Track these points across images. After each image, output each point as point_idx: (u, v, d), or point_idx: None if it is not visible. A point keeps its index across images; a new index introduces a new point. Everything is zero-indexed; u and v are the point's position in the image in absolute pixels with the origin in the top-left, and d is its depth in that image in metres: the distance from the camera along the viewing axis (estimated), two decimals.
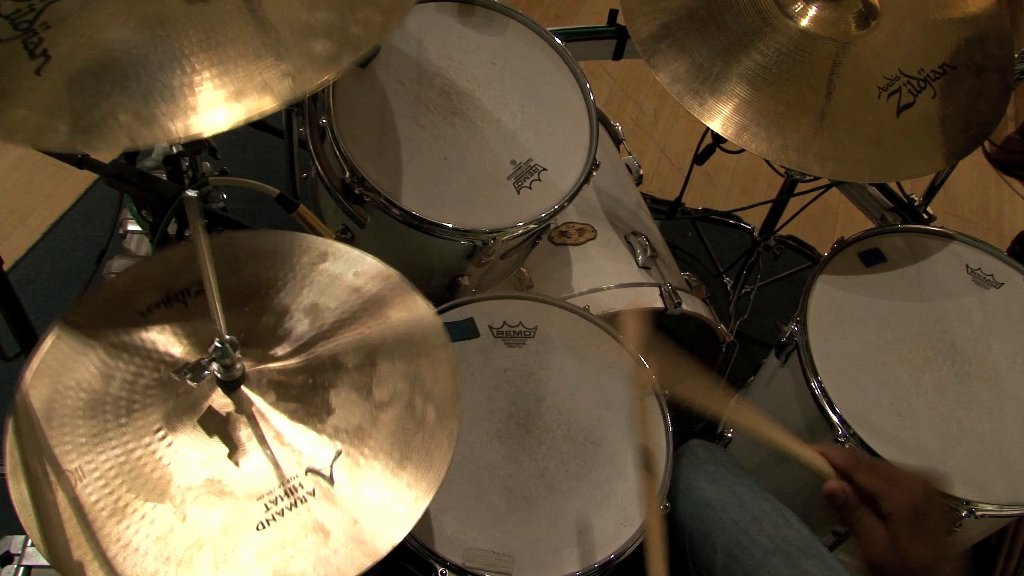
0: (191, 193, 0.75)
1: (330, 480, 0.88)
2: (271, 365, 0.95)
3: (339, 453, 0.89)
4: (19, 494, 0.85)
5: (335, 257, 1.06)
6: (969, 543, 1.46)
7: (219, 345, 0.87)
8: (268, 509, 0.86)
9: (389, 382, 0.96)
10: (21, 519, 0.83)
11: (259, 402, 0.92)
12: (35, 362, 0.93)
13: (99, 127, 0.88)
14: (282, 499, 0.86)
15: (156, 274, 1.02)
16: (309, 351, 0.97)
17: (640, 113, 2.73)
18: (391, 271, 1.05)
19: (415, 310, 1.03)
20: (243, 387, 0.92)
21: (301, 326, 0.99)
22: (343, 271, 1.04)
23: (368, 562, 0.84)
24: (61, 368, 0.93)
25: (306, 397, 0.93)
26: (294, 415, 0.92)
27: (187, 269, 1.02)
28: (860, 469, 0.86)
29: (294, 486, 0.87)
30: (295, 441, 0.90)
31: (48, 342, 0.95)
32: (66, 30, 0.93)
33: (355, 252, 1.06)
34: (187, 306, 0.99)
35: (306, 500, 0.86)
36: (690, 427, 1.89)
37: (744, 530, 1.19)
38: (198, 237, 0.79)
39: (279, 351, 0.97)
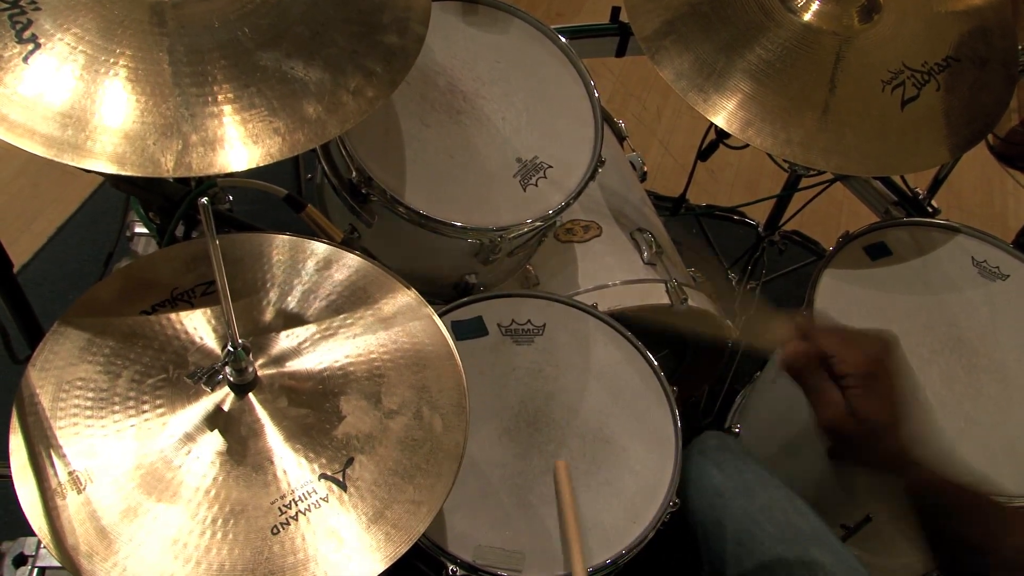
0: (204, 200, 0.75)
1: (343, 486, 0.88)
2: (282, 370, 0.96)
3: (351, 459, 0.90)
4: (28, 496, 0.85)
5: (342, 264, 1.06)
6: None
7: (232, 350, 0.88)
8: (282, 513, 0.86)
9: (397, 391, 0.96)
10: (31, 522, 0.84)
11: (271, 406, 0.92)
12: (39, 360, 0.93)
13: None
14: (296, 504, 0.86)
15: (161, 273, 1.02)
16: (319, 358, 0.97)
17: (643, 110, 2.73)
18: (396, 279, 1.05)
19: (422, 320, 1.03)
20: (255, 391, 0.93)
21: (309, 331, 0.99)
22: (350, 278, 1.05)
23: (381, 567, 0.84)
24: (65, 366, 0.93)
25: (317, 403, 0.94)
26: (305, 420, 0.92)
27: (192, 269, 1.02)
28: (817, 331, 0.86)
29: (307, 491, 0.87)
30: (307, 446, 0.90)
31: (50, 340, 0.95)
32: None
33: (362, 260, 1.07)
34: (193, 306, 1.00)
35: (320, 505, 0.87)
36: (697, 422, 1.89)
37: (753, 518, 1.19)
38: (213, 245, 0.79)
39: (289, 356, 0.97)
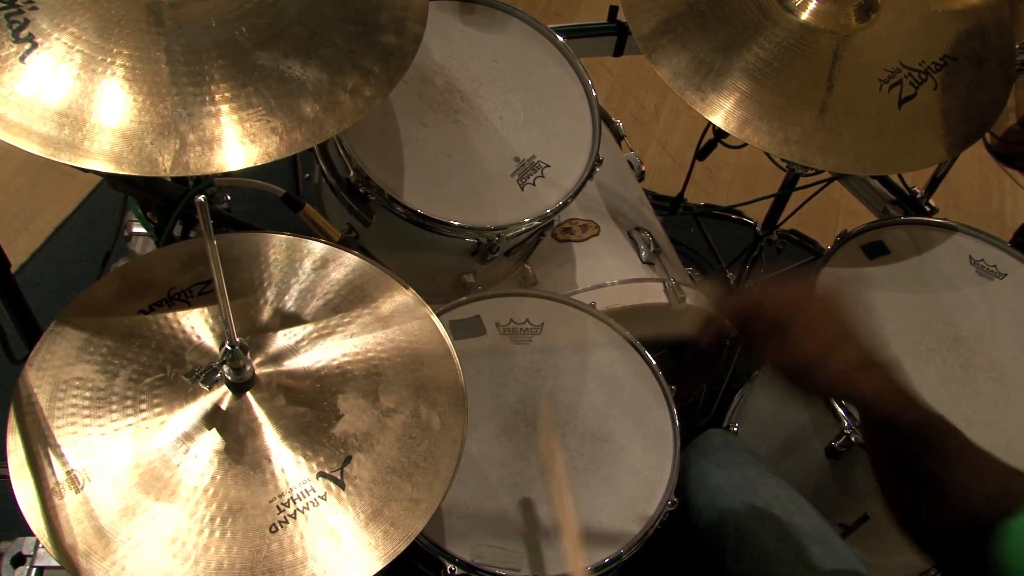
0: (201, 198, 0.75)
1: (341, 484, 0.88)
2: (279, 369, 0.96)
3: (349, 458, 0.90)
4: (26, 495, 0.85)
5: (339, 263, 1.06)
6: None
7: (230, 348, 0.88)
8: (280, 511, 0.86)
9: (395, 390, 0.96)
10: (29, 521, 0.84)
11: (268, 405, 0.92)
12: (36, 360, 0.93)
13: None
14: (294, 502, 0.87)
15: (158, 273, 1.02)
16: (316, 356, 0.97)
17: (640, 109, 2.74)
18: (394, 279, 1.05)
19: (420, 319, 1.03)
20: (253, 390, 0.93)
21: (307, 330, 0.99)
22: (347, 277, 1.05)
23: (379, 565, 0.85)
24: (63, 365, 0.93)
25: (314, 401, 0.94)
26: (303, 419, 0.92)
27: (189, 268, 1.02)
28: (739, 292, 0.96)
29: (305, 489, 0.87)
30: (305, 445, 0.90)
31: (48, 340, 0.95)
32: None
33: (359, 259, 1.07)
34: (190, 305, 1.00)
35: (318, 504, 0.87)
36: (695, 422, 1.89)
37: (755, 516, 1.19)
38: (210, 243, 0.79)
39: (286, 355, 0.97)
